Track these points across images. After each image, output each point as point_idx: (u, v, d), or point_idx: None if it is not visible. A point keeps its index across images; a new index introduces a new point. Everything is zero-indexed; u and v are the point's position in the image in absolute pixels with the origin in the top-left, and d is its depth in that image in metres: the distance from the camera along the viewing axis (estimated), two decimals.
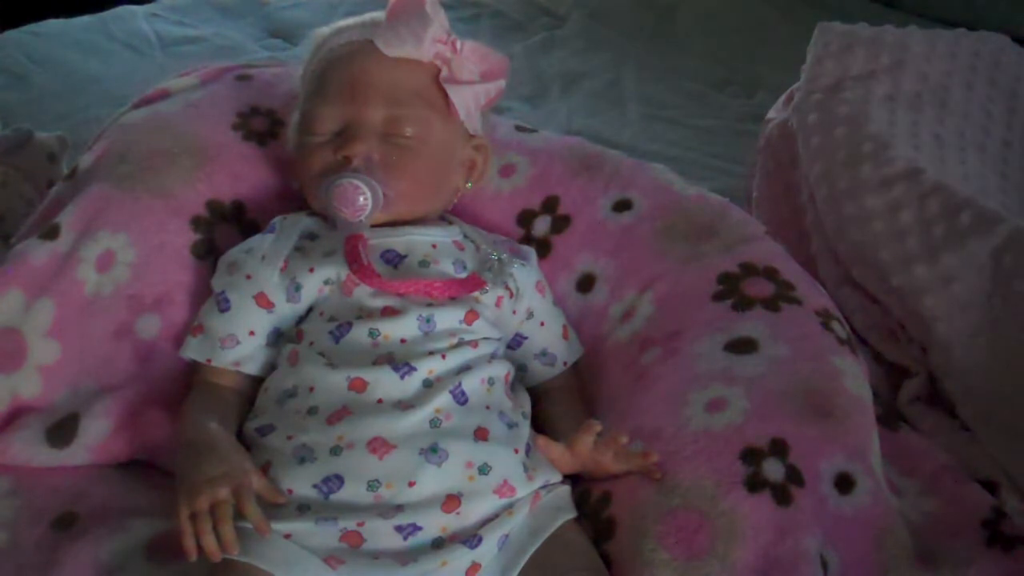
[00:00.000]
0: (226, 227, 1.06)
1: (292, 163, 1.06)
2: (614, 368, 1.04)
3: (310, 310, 0.96)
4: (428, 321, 0.93)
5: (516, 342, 1.03)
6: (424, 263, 0.97)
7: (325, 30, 1.07)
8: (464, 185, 1.07)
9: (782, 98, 1.43)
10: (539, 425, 0.98)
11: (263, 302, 0.95)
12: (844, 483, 0.89)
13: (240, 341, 0.95)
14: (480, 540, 0.84)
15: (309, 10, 2.13)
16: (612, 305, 1.07)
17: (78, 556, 0.85)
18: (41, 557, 0.85)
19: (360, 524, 0.83)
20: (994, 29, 1.45)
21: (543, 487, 0.90)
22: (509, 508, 0.87)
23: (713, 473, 0.87)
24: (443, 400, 0.88)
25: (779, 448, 0.88)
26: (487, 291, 0.97)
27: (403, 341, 0.91)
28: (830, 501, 0.88)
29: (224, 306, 0.96)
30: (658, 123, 1.84)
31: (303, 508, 0.84)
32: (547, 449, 0.92)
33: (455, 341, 0.93)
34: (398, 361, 0.89)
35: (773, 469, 0.87)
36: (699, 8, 2.26)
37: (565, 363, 1.05)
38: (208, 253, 1.04)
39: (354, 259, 0.92)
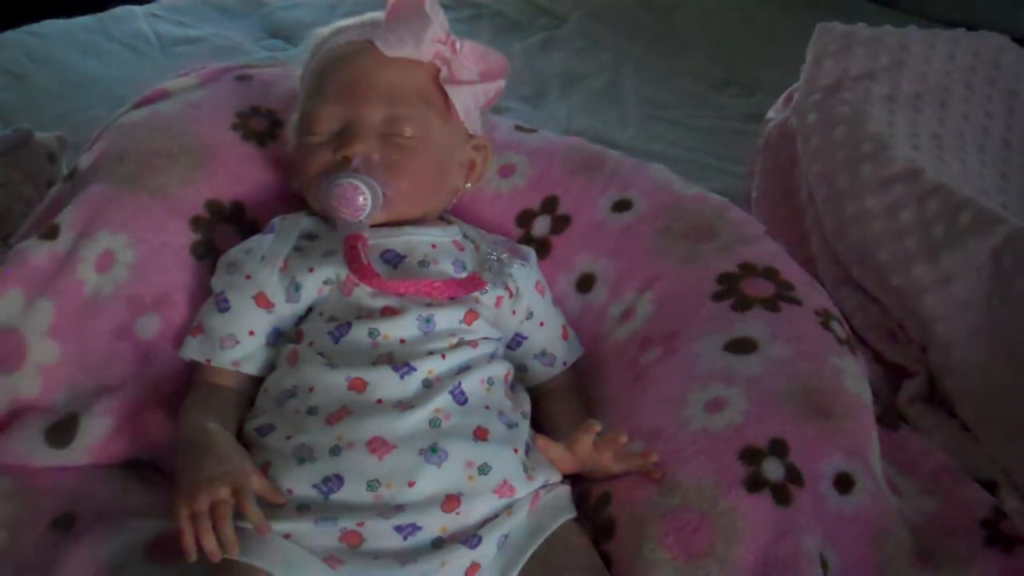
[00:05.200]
0: (226, 227, 1.06)
1: (292, 163, 1.06)
2: (614, 368, 1.04)
3: (310, 310, 0.96)
4: (428, 321, 0.93)
5: (516, 342, 1.03)
6: (424, 263, 0.97)
7: (325, 30, 1.07)
8: (463, 185, 1.07)
9: (782, 98, 1.43)
10: (539, 425, 0.98)
11: (263, 302, 0.95)
12: (844, 483, 0.89)
13: (240, 341, 0.95)
14: (480, 540, 0.84)
15: (309, 10, 2.13)
16: (611, 305, 1.07)
17: (78, 556, 0.85)
18: (41, 557, 0.85)
19: (360, 524, 0.82)
20: (994, 29, 1.45)
21: (543, 487, 0.90)
22: (509, 508, 0.87)
23: (713, 473, 0.87)
24: (443, 400, 0.88)
25: (779, 448, 0.88)
26: (487, 291, 0.97)
27: (403, 341, 0.91)
28: (830, 501, 0.88)
29: (224, 306, 0.96)
30: (658, 123, 1.84)
31: (303, 508, 0.84)
32: (547, 449, 0.92)
33: (455, 341, 0.93)
34: (398, 361, 0.89)
35: (773, 469, 0.87)
36: (699, 8, 2.26)
37: (565, 363, 1.05)
38: (208, 253, 1.04)
39: (354, 259, 0.92)
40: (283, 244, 0.97)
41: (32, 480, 0.91)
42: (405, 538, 0.83)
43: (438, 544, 0.83)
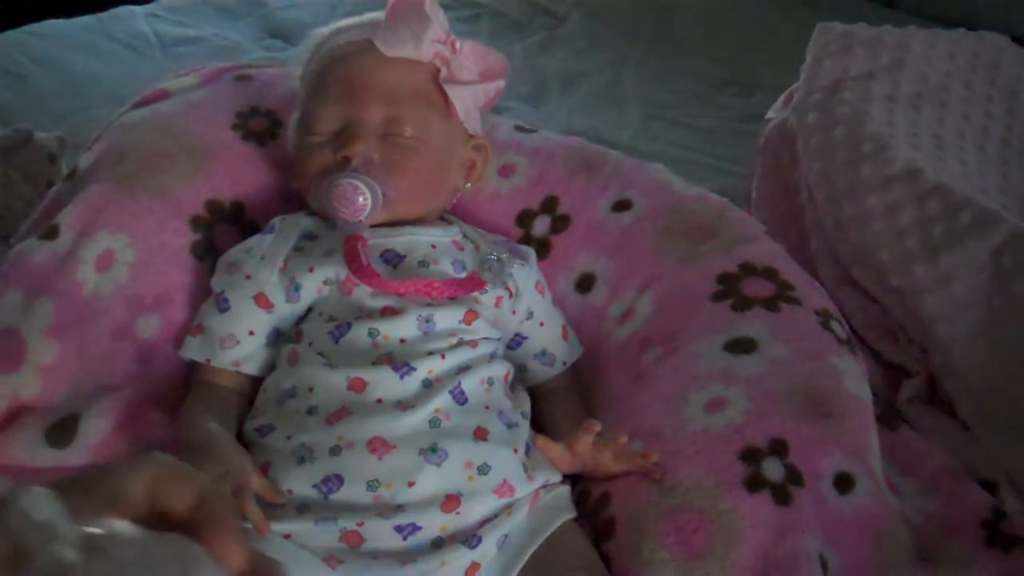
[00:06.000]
0: (226, 227, 1.06)
1: (292, 163, 1.06)
2: (614, 368, 1.04)
3: (309, 310, 0.96)
4: (428, 321, 0.93)
5: (516, 342, 1.03)
6: (423, 263, 0.97)
7: (325, 30, 1.07)
8: (463, 185, 1.07)
9: (782, 98, 1.43)
10: (539, 425, 0.98)
11: (262, 302, 0.95)
12: (844, 483, 0.89)
13: (240, 341, 0.95)
14: (479, 540, 0.84)
15: (309, 10, 2.13)
16: (611, 305, 1.07)
17: None
18: None
19: (360, 524, 0.83)
20: (994, 29, 1.45)
21: (543, 487, 0.90)
22: (508, 508, 0.87)
23: (713, 473, 0.87)
24: (443, 400, 0.88)
25: (779, 448, 0.88)
26: (486, 291, 0.97)
27: (403, 341, 0.91)
28: (830, 501, 0.88)
29: (224, 306, 0.96)
30: (658, 123, 1.84)
31: (303, 508, 0.84)
32: (546, 449, 0.92)
33: (455, 341, 0.93)
34: (398, 361, 0.89)
35: (773, 469, 0.87)
36: (699, 8, 2.26)
37: (565, 363, 1.05)
38: (208, 253, 1.04)
39: (353, 259, 0.92)
40: (283, 244, 0.97)
41: (32, 480, 0.91)
42: (405, 538, 0.83)
43: (438, 544, 0.83)
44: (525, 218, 1.13)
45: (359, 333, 0.91)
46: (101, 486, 0.42)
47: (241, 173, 1.09)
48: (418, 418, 0.87)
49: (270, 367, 0.96)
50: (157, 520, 0.42)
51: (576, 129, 1.70)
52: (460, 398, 0.90)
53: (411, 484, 0.84)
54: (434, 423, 0.87)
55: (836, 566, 0.86)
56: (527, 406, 0.98)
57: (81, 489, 0.42)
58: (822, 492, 0.87)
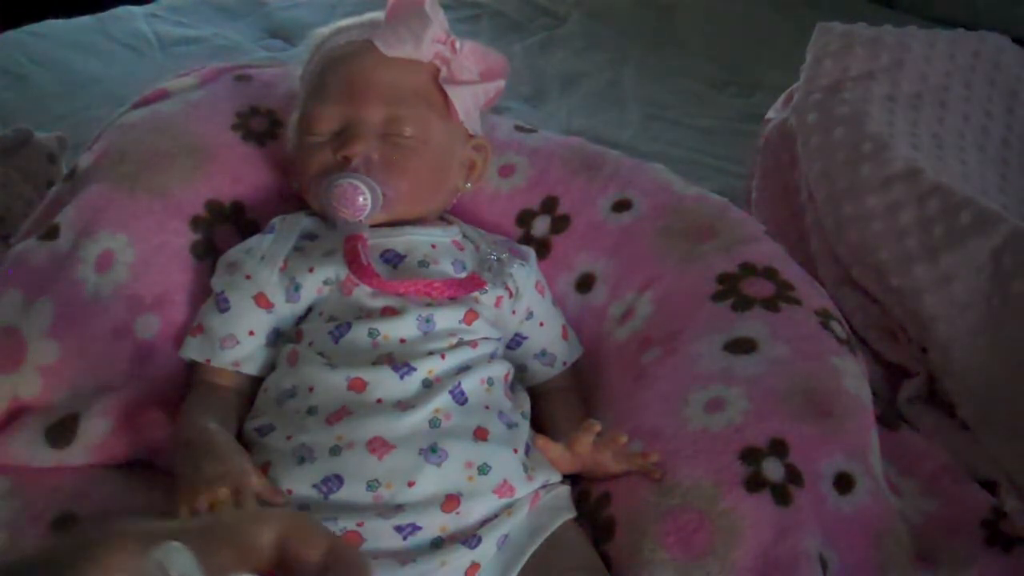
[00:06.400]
0: (225, 227, 1.06)
1: (292, 163, 1.06)
2: (614, 368, 1.04)
3: (309, 310, 0.96)
4: (428, 321, 0.93)
5: (516, 342, 1.03)
6: (423, 263, 0.97)
7: (325, 30, 1.07)
8: (463, 185, 1.07)
9: (782, 98, 1.43)
10: (539, 425, 0.98)
11: (262, 302, 0.95)
12: (844, 483, 0.89)
13: (239, 341, 0.95)
14: (479, 540, 0.84)
15: (309, 10, 2.13)
16: (611, 305, 1.07)
17: None
18: None
19: (360, 524, 0.82)
20: (994, 29, 1.45)
21: (543, 487, 0.90)
22: (508, 508, 0.87)
23: (712, 473, 0.87)
24: (442, 400, 0.88)
25: (779, 448, 0.88)
26: (486, 291, 0.97)
27: (402, 341, 0.91)
28: (829, 501, 0.88)
29: (224, 306, 0.96)
30: (658, 123, 1.84)
31: (302, 508, 0.84)
32: (546, 449, 0.92)
33: (454, 341, 0.93)
34: (398, 361, 0.89)
35: (773, 469, 0.87)
36: (699, 8, 2.25)
37: (565, 363, 1.05)
38: (207, 253, 1.04)
39: (353, 259, 0.92)
40: (283, 244, 0.97)
41: (32, 480, 0.91)
42: (405, 538, 0.83)
43: (438, 544, 0.83)
44: (525, 218, 1.13)
45: (359, 333, 0.91)
46: (230, 537, 0.42)
47: (241, 173, 1.09)
48: (418, 418, 0.87)
49: (270, 367, 0.96)
50: (284, 571, 0.42)
51: (576, 129, 1.70)
52: (460, 398, 0.90)
53: (411, 484, 0.84)
54: (434, 423, 0.87)
55: (836, 566, 0.86)
56: (527, 406, 0.98)
57: (210, 540, 0.42)
58: (822, 492, 0.88)
